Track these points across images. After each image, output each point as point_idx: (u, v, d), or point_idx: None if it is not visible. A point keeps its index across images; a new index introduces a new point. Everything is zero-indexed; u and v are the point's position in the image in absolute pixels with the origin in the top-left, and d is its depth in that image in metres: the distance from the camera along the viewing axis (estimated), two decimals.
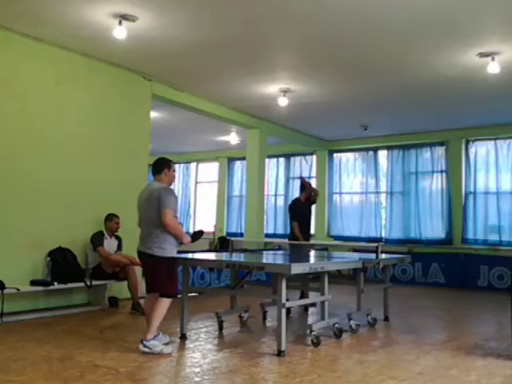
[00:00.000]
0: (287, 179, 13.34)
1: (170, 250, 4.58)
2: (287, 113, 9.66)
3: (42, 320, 5.79)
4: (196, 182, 15.18)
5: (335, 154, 12.73)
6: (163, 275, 4.55)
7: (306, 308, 6.99)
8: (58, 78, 6.61)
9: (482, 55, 6.48)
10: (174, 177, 4.84)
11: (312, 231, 12.68)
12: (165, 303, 4.53)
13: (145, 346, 4.36)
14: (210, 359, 4.37)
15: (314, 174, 12.95)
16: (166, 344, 4.57)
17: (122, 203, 6.95)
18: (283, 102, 8.45)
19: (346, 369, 4.18)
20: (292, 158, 13.33)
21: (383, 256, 5.94)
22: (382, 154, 12.09)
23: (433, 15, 5.44)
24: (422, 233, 11.17)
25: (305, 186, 7.68)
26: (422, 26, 5.75)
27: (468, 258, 10.04)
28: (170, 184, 4.78)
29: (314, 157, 12.99)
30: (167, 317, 6.12)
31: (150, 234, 4.56)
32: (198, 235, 5.00)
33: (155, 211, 4.49)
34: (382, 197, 11.99)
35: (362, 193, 12.23)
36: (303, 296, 6.51)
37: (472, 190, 10.78)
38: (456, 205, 10.81)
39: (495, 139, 10.58)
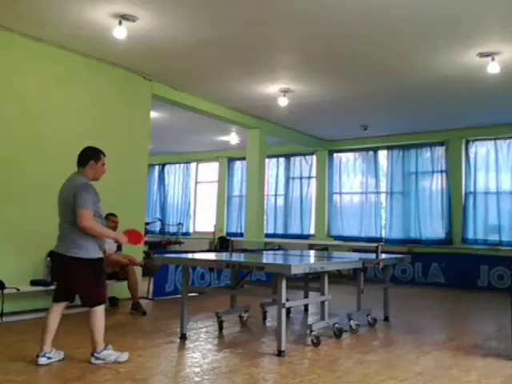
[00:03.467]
0: (287, 179, 13.34)
1: (94, 250, 4.03)
2: (287, 113, 9.65)
3: (42, 320, 5.76)
4: (196, 182, 15.18)
5: (335, 154, 12.73)
6: (90, 280, 4.00)
7: (305, 307, 6.99)
8: (58, 78, 6.61)
9: (482, 55, 6.48)
10: (102, 171, 4.21)
11: (312, 231, 12.81)
12: (99, 313, 4.02)
13: (97, 359, 3.98)
14: (209, 359, 4.36)
15: (314, 174, 12.96)
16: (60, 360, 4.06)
17: (121, 203, 6.93)
18: (283, 101, 8.45)
19: (345, 369, 4.17)
20: (292, 158, 13.33)
21: (383, 256, 5.94)
22: (382, 154, 12.09)
23: (433, 15, 5.44)
24: (422, 233, 11.17)
25: None
26: (422, 26, 5.75)
27: (468, 257, 10.04)
28: (97, 179, 4.20)
29: (314, 157, 12.99)
30: (167, 317, 6.15)
31: (69, 233, 3.97)
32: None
33: (71, 210, 3.93)
34: (382, 197, 11.99)
35: (362, 193, 12.23)
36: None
37: (472, 189, 10.78)
38: (456, 205, 10.81)
39: (495, 139, 10.58)
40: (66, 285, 4.11)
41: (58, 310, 4.15)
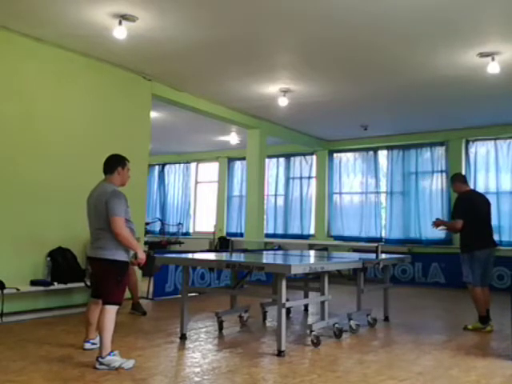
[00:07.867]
0: (287, 179, 13.34)
1: (120, 253, 4.12)
2: (287, 113, 9.65)
3: (42, 320, 5.78)
4: (196, 182, 15.18)
5: (335, 154, 12.73)
6: (113, 279, 4.09)
7: (305, 308, 6.99)
8: (58, 78, 6.61)
9: (482, 55, 6.48)
10: (128, 177, 4.39)
11: (312, 231, 12.80)
12: (111, 312, 4.05)
13: (101, 364, 3.92)
14: (210, 359, 4.37)
15: (314, 174, 12.95)
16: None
17: None
18: (283, 101, 8.45)
19: (345, 369, 4.18)
20: (292, 158, 13.33)
21: (383, 256, 5.94)
22: (382, 154, 12.08)
23: (433, 15, 5.44)
24: (422, 233, 11.16)
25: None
26: (422, 26, 5.75)
27: None
28: (124, 184, 4.35)
29: (314, 157, 12.98)
30: (167, 317, 6.15)
31: (99, 237, 4.14)
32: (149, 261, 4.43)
33: (103, 217, 4.07)
34: (382, 197, 11.99)
35: (361, 193, 12.22)
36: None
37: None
38: None
39: (495, 139, 10.58)
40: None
41: (93, 305, 4.43)
